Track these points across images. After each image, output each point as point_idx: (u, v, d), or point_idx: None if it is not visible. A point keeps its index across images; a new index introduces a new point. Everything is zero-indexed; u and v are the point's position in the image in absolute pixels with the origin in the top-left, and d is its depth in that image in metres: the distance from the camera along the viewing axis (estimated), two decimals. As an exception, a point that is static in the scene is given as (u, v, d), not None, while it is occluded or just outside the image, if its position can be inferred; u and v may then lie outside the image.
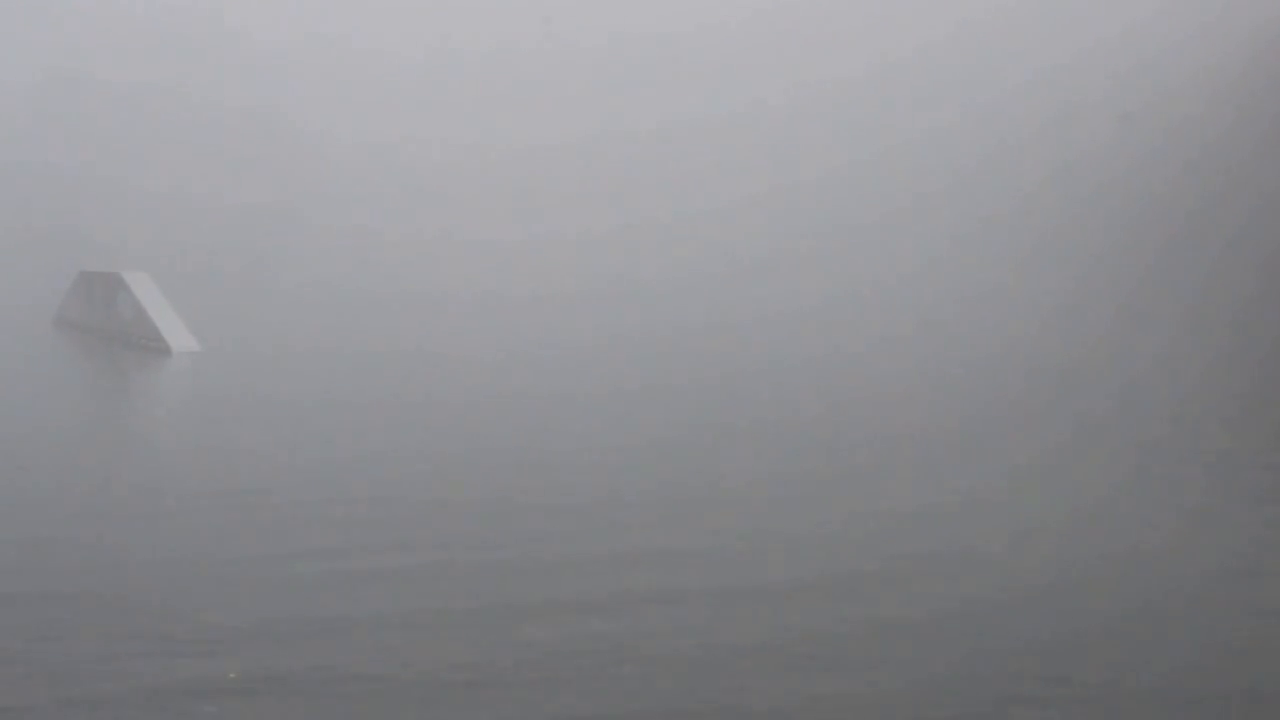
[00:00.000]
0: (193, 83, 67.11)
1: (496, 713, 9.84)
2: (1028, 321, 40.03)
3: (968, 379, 29.94)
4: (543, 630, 11.69)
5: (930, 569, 13.82)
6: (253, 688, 10.24)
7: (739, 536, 15.39)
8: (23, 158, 60.39)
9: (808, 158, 62.02)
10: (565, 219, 60.46)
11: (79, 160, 60.49)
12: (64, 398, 28.74)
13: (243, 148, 63.95)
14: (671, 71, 71.61)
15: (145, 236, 50.17)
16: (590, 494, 17.90)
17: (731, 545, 15.01)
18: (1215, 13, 56.23)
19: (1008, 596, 12.75)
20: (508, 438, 22.54)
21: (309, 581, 13.31)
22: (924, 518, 16.29)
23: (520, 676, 10.53)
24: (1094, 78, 57.12)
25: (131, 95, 65.49)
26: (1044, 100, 58.69)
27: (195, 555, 14.37)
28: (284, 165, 63.72)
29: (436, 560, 14.31)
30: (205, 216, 56.21)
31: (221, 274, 47.41)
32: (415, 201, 62.80)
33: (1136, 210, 50.62)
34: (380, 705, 10.00)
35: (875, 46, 65.47)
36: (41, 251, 48.82)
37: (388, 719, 9.80)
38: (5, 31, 67.44)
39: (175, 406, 29.60)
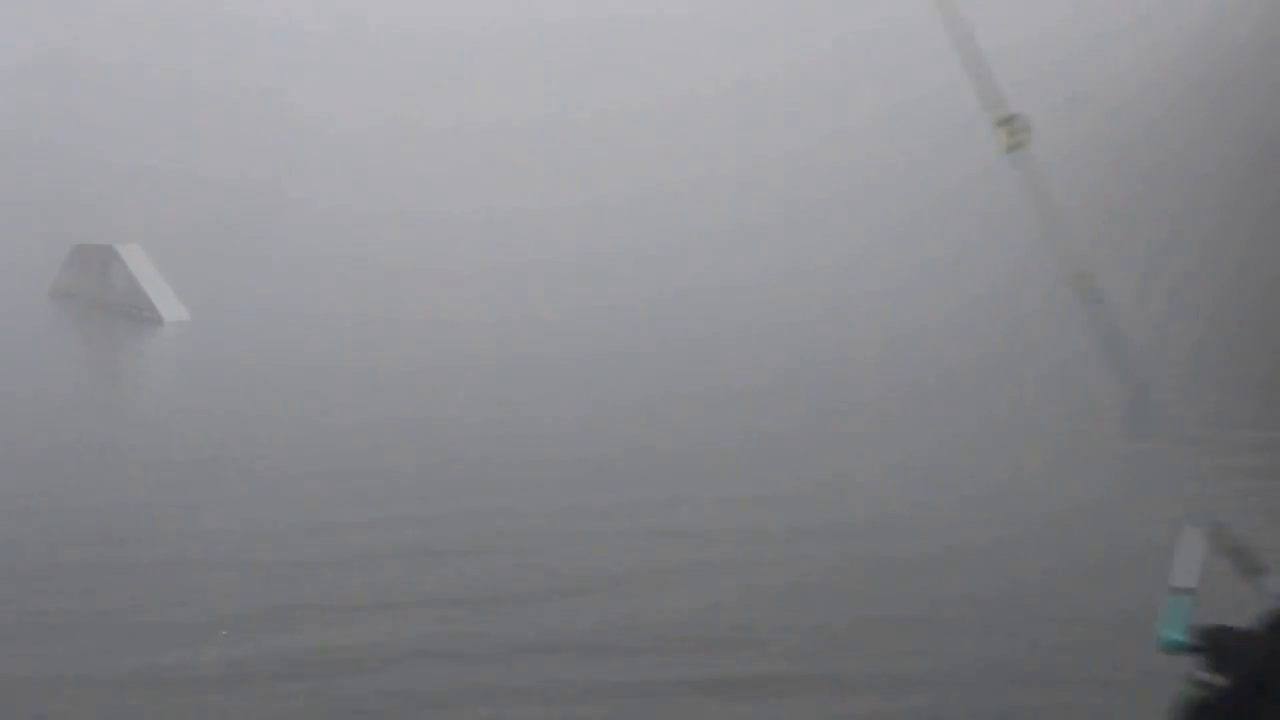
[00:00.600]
0: (182, 60, 68.22)
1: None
2: (974, 297, 40.90)
3: (910, 353, 30.78)
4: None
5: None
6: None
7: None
8: (17, 133, 61.53)
9: (758, 139, 63.38)
10: (542, 194, 61.55)
11: (72, 137, 61.57)
12: (61, 365, 30.20)
13: (231, 124, 65.07)
14: (633, 53, 72.82)
15: (138, 210, 51.34)
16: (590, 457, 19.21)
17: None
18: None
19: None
20: (498, 405, 24.03)
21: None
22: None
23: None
24: (1040, 61, 58.41)
25: (121, 73, 66.54)
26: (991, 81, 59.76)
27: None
28: (271, 141, 64.85)
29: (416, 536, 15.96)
30: (196, 191, 57.30)
31: (212, 245, 48.68)
32: (398, 177, 63.94)
33: (1079, 192, 51.95)
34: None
35: (827, 29, 66.80)
36: (37, 224, 50.09)
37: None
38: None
39: (167, 374, 31.13)
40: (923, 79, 64.09)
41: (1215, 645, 4.37)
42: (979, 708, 10.13)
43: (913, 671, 10.76)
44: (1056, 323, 33.34)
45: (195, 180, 58.02)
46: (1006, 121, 5.60)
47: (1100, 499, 16.34)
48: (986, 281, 40.73)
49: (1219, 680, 4.28)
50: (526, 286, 42.44)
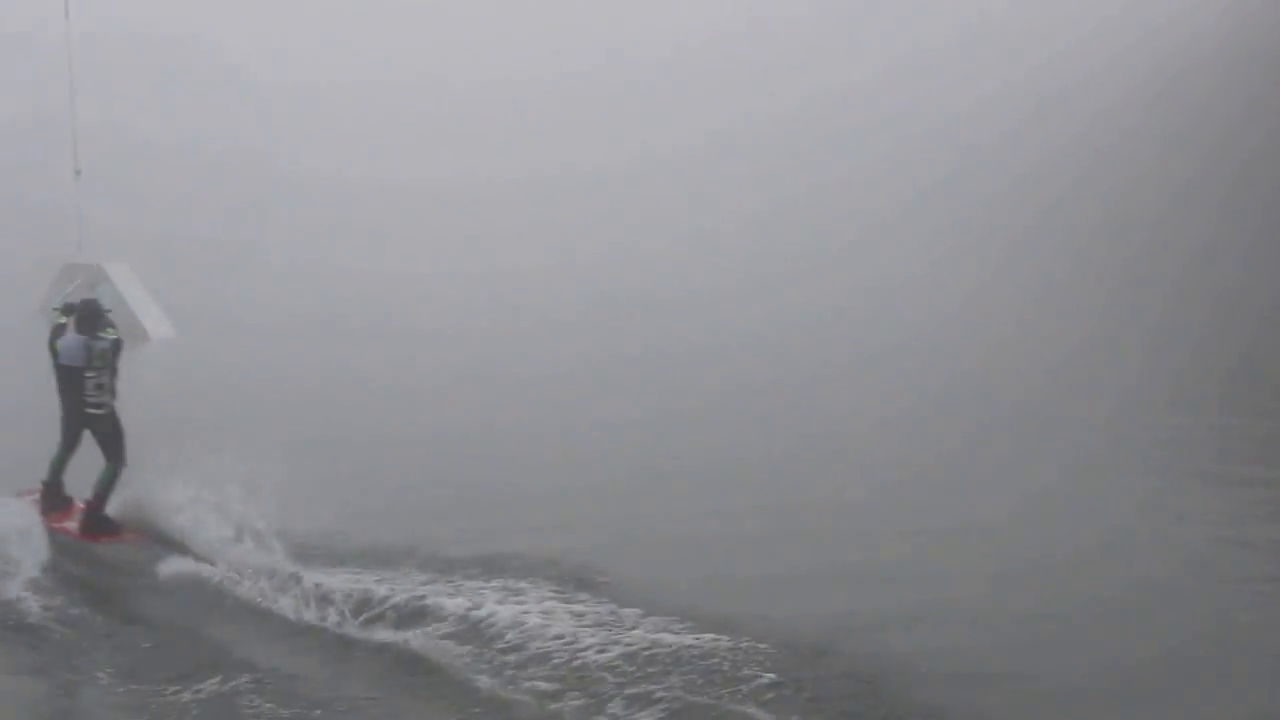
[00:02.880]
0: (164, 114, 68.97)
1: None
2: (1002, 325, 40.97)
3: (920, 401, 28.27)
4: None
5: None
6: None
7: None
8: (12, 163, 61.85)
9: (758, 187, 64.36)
10: (527, 251, 62.01)
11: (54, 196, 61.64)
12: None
13: (209, 181, 65.63)
14: (632, 104, 73.94)
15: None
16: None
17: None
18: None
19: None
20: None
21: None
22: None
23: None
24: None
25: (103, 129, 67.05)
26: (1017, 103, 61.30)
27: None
28: (248, 198, 65.36)
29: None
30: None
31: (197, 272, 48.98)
32: (377, 235, 64.42)
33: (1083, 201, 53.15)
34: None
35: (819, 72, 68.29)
36: (25, 243, 50.45)
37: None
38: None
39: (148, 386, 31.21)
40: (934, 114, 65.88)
41: (68, 308, 14.28)
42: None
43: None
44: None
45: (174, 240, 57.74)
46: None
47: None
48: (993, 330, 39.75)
49: (66, 315, 14.07)
50: (514, 345, 40.14)
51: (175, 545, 13.59)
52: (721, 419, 24.73)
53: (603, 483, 18.64)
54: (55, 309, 14.22)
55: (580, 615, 11.69)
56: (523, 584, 12.94)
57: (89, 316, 14.09)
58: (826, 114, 70.62)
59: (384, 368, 32.60)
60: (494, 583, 12.97)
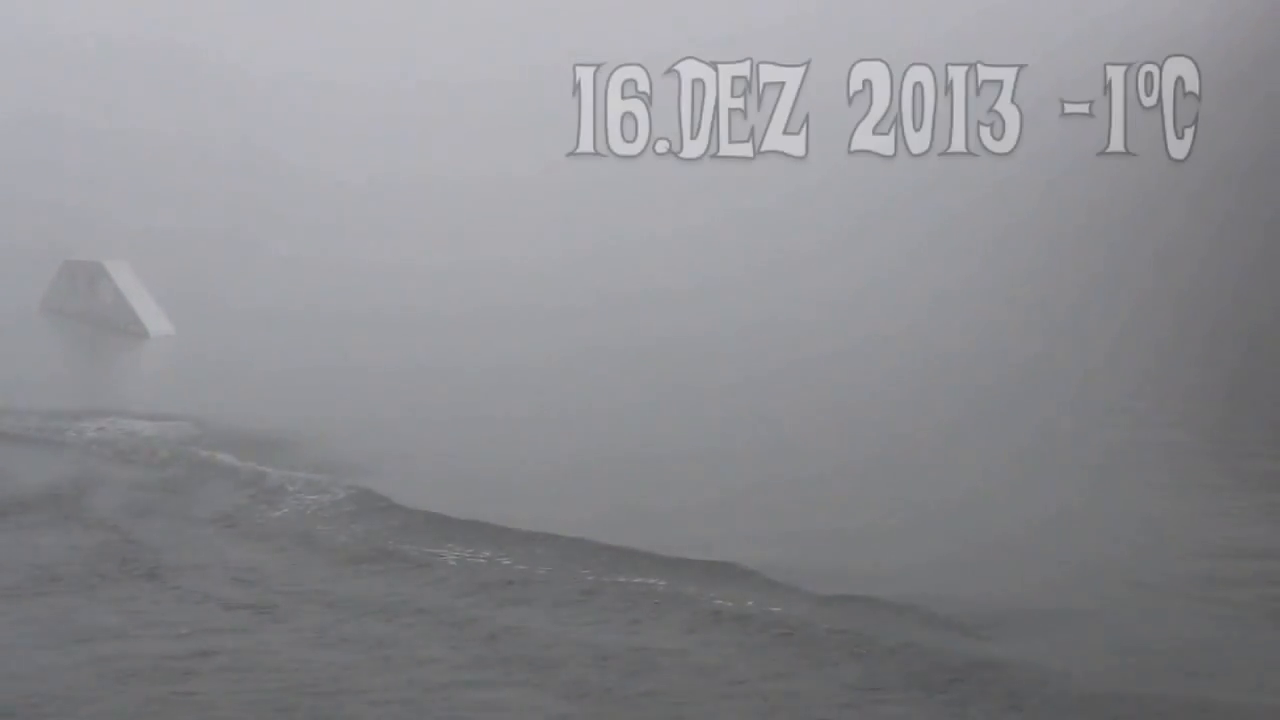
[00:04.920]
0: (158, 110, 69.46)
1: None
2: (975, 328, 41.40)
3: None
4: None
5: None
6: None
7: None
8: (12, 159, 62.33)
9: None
10: (527, 243, 62.50)
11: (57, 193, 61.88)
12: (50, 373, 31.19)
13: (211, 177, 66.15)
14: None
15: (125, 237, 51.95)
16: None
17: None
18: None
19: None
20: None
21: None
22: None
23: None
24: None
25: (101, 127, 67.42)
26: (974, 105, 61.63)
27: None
28: (245, 192, 65.82)
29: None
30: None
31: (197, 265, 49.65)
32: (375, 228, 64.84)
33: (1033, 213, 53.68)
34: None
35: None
36: (28, 242, 51.18)
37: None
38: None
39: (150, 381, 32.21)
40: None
41: None
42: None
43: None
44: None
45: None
46: None
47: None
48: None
49: None
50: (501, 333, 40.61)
51: None
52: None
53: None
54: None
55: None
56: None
57: None
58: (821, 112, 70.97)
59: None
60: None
